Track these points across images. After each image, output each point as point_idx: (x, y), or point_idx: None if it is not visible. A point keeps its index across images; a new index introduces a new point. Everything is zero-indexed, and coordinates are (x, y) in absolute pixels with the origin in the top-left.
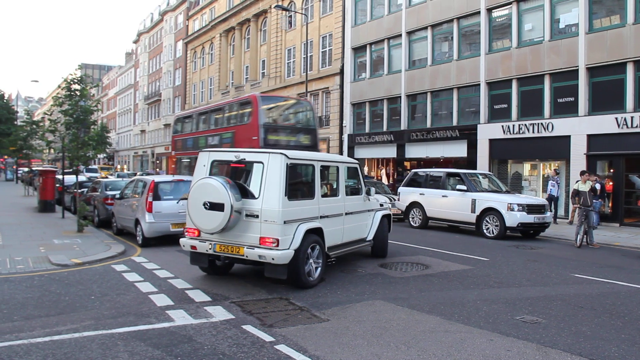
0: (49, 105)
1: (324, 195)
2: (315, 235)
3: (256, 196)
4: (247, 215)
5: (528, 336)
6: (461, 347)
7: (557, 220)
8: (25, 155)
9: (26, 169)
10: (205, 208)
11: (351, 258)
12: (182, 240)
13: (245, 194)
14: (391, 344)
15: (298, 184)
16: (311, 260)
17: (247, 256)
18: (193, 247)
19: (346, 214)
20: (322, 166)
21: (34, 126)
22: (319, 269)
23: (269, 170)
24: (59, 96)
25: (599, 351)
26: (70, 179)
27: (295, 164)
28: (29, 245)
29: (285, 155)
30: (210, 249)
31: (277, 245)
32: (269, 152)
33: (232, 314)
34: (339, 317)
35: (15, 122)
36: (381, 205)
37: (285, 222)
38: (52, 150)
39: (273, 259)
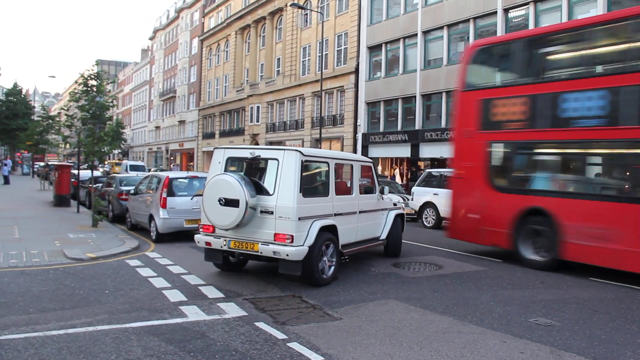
0: (65, 101)
1: (338, 193)
2: (329, 232)
3: (271, 193)
4: (261, 212)
5: (542, 339)
6: (474, 348)
7: None
8: (41, 150)
9: (42, 164)
10: (220, 204)
11: (364, 257)
12: (196, 236)
13: (260, 190)
14: (404, 343)
15: (313, 181)
16: (325, 258)
17: (261, 252)
18: (208, 243)
19: (360, 212)
20: (336, 164)
21: (50, 121)
22: (332, 267)
23: (284, 167)
24: (75, 92)
25: (613, 355)
26: (85, 173)
27: (310, 161)
28: (45, 239)
29: (301, 152)
30: (224, 245)
31: (292, 242)
32: (284, 149)
33: (245, 310)
34: (351, 316)
35: (32, 117)
36: (394, 204)
37: (299, 219)
38: (67, 145)
39: (287, 255)
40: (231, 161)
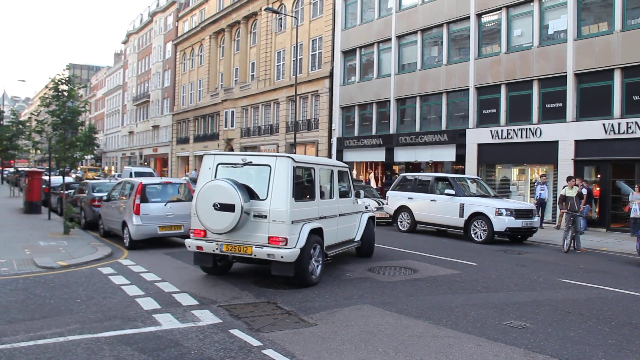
0: (35, 106)
1: (322, 197)
2: (316, 235)
3: (262, 198)
4: (254, 216)
5: (516, 341)
6: (449, 352)
7: (544, 225)
8: (11, 156)
9: (12, 170)
10: (215, 209)
11: (339, 262)
12: (187, 241)
13: (251, 195)
14: (379, 349)
15: (302, 186)
16: (313, 260)
17: (255, 255)
18: (199, 247)
19: (339, 215)
20: (320, 169)
21: (20, 126)
22: (320, 267)
23: (277, 173)
24: (46, 96)
25: (586, 357)
26: (56, 179)
27: (299, 167)
28: (14, 247)
29: (292, 158)
30: (217, 249)
31: (286, 244)
32: (276, 156)
33: (220, 318)
34: (326, 322)
35: (1, 122)
36: (366, 207)
37: (292, 222)
38: (38, 151)
39: (282, 257)
40: (221, 167)
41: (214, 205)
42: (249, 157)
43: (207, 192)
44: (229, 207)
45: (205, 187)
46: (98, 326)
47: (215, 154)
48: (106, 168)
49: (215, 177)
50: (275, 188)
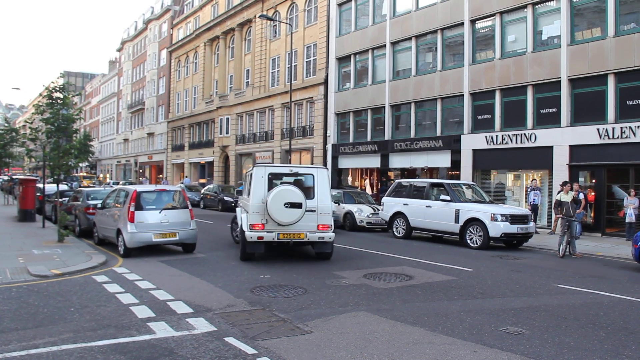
0: (30, 113)
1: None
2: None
3: (311, 197)
4: (306, 211)
5: (512, 347)
6: (445, 359)
7: (538, 230)
8: (5, 164)
9: (6, 177)
10: (286, 207)
11: (334, 269)
12: (248, 233)
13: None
14: (375, 356)
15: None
16: None
17: (309, 239)
18: (260, 237)
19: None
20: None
21: (14, 134)
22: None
23: (319, 180)
24: (40, 104)
25: None
26: (51, 187)
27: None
28: (7, 255)
29: (327, 169)
30: (275, 237)
31: (331, 229)
32: (317, 167)
33: (215, 325)
34: (322, 329)
35: None
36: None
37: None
38: (32, 159)
39: (330, 238)
40: (272, 176)
41: (285, 204)
42: (295, 168)
43: (279, 195)
44: (297, 205)
45: (277, 190)
46: (92, 335)
47: (265, 166)
48: (101, 176)
49: (267, 184)
50: (320, 190)
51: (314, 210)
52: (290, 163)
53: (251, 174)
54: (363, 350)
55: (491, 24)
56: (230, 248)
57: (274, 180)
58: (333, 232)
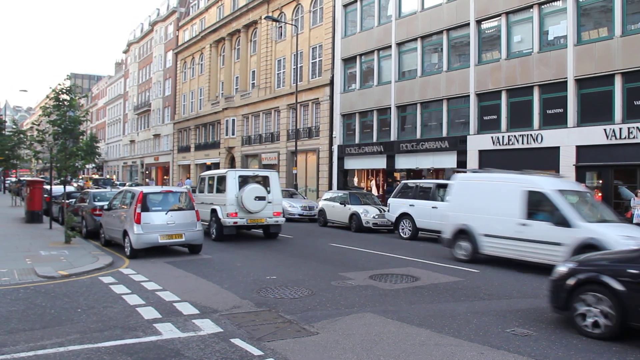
0: (37, 115)
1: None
2: None
3: (268, 193)
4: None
5: (519, 349)
6: None
7: None
8: (13, 165)
9: (14, 179)
10: (255, 199)
11: (340, 270)
12: (225, 219)
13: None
14: (381, 357)
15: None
16: None
17: (267, 222)
18: (235, 222)
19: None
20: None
21: (21, 135)
22: None
23: (272, 180)
24: (47, 106)
25: None
26: (58, 189)
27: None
28: (15, 256)
29: (276, 172)
30: (245, 222)
31: (282, 215)
32: (270, 171)
33: (221, 327)
34: (328, 330)
35: (3, 132)
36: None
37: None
38: (40, 161)
39: (282, 222)
40: (241, 178)
41: (255, 197)
42: (256, 171)
43: (250, 191)
44: (263, 198)
45: (248, 188)
46: (98, 336)
47: (236, 170)
48: (107, 177)
49: (238, 184)
50: (274, 188)
51: (271, 202)
52: (295, 165)
53: (211, 177)
54: (369, 351)
55: (497, 24)
56: (236, 249)
57: (242, 181)
58: (283, 217)
